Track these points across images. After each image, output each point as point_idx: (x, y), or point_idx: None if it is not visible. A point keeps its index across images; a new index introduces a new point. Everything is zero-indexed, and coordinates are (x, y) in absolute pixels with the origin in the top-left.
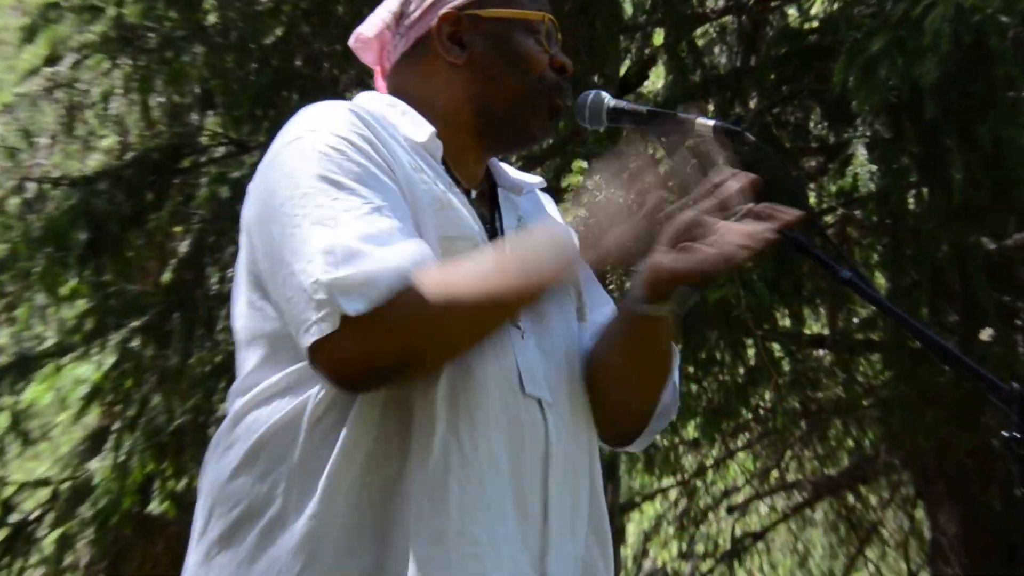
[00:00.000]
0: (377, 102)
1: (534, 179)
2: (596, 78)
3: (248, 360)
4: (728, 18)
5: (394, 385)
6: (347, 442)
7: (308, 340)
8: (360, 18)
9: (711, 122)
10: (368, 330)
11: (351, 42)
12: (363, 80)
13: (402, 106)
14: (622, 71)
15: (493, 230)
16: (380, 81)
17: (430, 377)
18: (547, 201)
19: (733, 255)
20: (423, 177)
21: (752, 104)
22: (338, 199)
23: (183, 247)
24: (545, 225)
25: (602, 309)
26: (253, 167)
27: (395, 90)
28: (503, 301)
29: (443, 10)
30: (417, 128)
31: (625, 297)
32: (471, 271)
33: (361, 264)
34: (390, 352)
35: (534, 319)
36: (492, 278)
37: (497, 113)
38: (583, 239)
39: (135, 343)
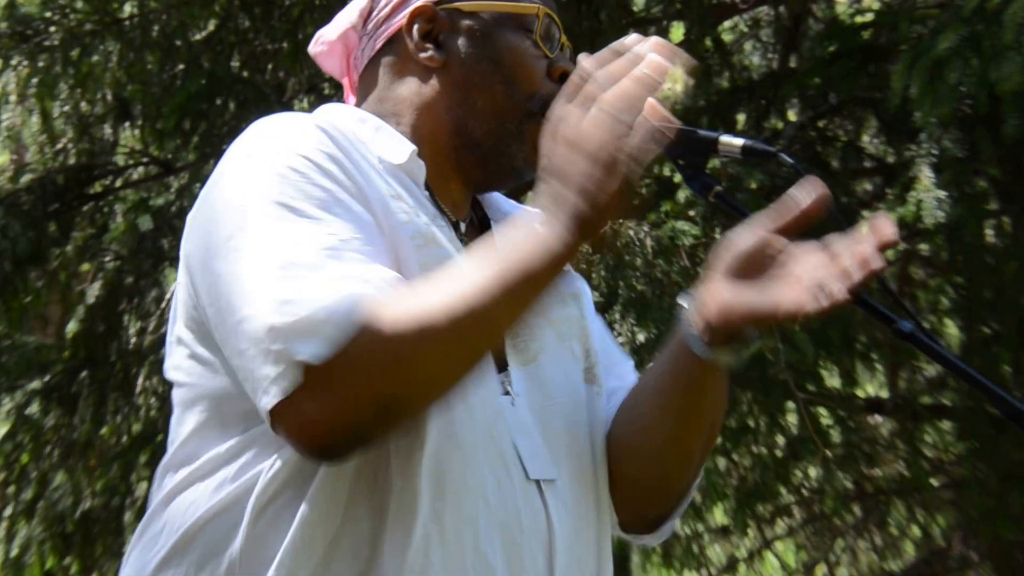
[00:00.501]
0: (345, 117)
1: (532, 210)
2: None
3: (185, 426)
4: (762, 9)
5: (376, 441)
6: (304, 527)
7: (268, 402)
8: (315, 8)
9: (739, 140)
10: (336, 377)
11: (312, 48)
12: (316, 86)
13: (374, 121)
14: None
15: None
16: (349, 94)
17: (413, 438)
18: None
19: (805, 304)
20: (402, 206)
21: (792, 116)
22: (298, 230)
23: (93, 291)
24: (515, 222)
25: (618, 369)
26: (180, 192)
27: (365, 102)
28: (486, 316)
29: (416, 3)
30: (394, 147)
31: (674, 339)
32: (443, 288)
33: (319, 301)
34: (366, 398)
35: (528, 382)
36: (469, 292)
37: (475, 136)
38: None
39: (33, 408)
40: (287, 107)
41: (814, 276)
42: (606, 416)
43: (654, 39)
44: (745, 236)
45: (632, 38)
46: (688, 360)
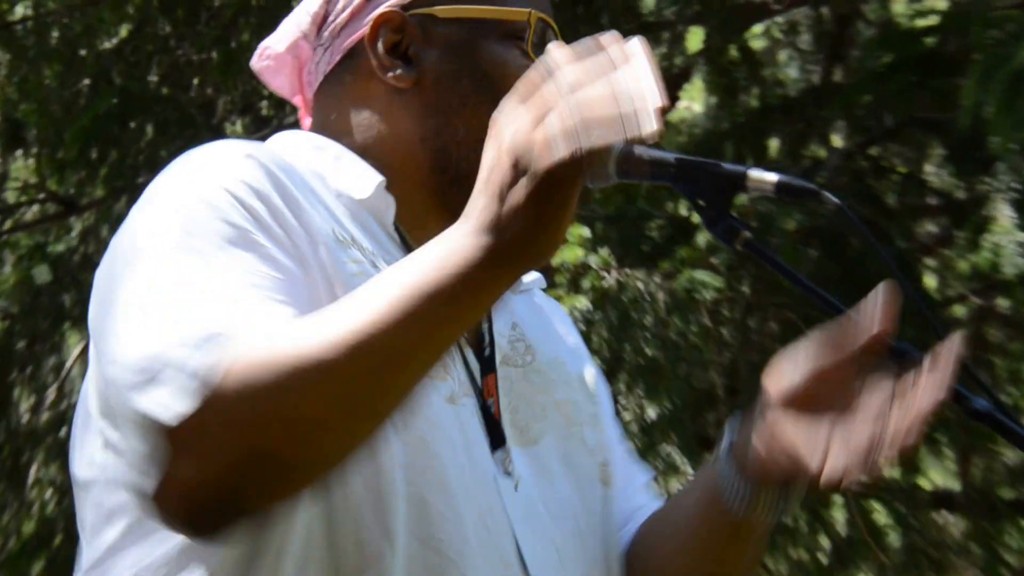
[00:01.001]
0: (300, 145)
1: (531, 275)
2: None
3: (102, 536)
4: (800, 10)
5: (261, 509)
6: None
7: (149, 485)
8: (251, 10)
9: (773, 175)
10: (200, 433)
11: (255, 62)
12: (252, 104)
13: (334, 148)
14: None
15: (478, 340)
16: (304, 118)
17: (389, 541)
18: (548, 304)
19: (852, 474)
20: (354, 254)
21: (837, 141)
22: (185, 268)
23: None
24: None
25: (635, 482)
26: (84, 236)
27: (322, 126)
28: (386, 346)
29: (380, 8)
30: (357, 179)
31: (708, 478)
32: (330, 319)
33: (182, 349)
34: (235, 455)
35: (531, 466)
36: (361, 320)
37: (460, 169)
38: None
39: None
40: (217, 131)
41: (869, 433)
42: (622, 535)
43: (633, 40)
44: (800, 365)
45: (608, 37)
46: (726, 513)
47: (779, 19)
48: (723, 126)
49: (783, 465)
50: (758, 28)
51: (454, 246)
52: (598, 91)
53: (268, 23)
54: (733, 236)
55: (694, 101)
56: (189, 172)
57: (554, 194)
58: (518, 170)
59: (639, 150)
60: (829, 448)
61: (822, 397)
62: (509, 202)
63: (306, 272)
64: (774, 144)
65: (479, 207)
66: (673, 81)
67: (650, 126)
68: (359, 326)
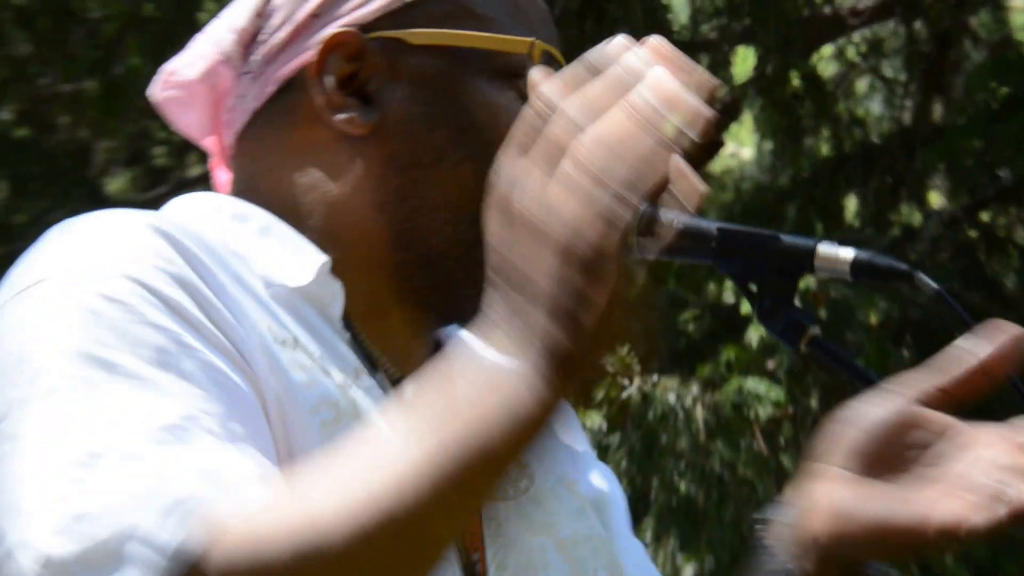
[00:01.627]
0: (211, 212)
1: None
2: None
3: None
4: (887, 24)
5: None
6: None
7: None
8: (142, 23)
9: (850, 252)
10: None
11: (156, 91)
12: (141, 153)
13: (260, 218)
14: None
15: None
16: (219, 169)
17: None
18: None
19: (971, 517)
20: (300, 358)
21: (936, 201)
22: (112, 399)
23: None
24: (460, 356)
25: (643, 571)
26: None
27: (244, 184)
28: (413, 525)
29: (331, 28)
30: (292, 260)
31: (756, 561)
32: (341, 482)
33: (131, 516)
34: None
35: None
36: (385, 487)
37: (430, 242)
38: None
39: None
40: (93, 188)
41: (986, 475)
42: None
43: (653, 40)
44: (878, 407)
45: (617, 43)
46: None
47: (857, 36)
48: (782, 181)
49: (865, 525)
50: (829, 48)
51: (510, 396)
52: (615, 120)
53: (165, 42)
54: (796, 332)
55: (743, 145)
56: (78, 255)
57: (603, 276)
58: (590, 273)
59: (669, 215)
60: (933, 495)
61: (911, 450)
62: (580, 324)
63: (253, 384)
64: (851, 206)
65: (537, 329)
66: (716, 118)
67: (697, 134)
68: (386, 503)
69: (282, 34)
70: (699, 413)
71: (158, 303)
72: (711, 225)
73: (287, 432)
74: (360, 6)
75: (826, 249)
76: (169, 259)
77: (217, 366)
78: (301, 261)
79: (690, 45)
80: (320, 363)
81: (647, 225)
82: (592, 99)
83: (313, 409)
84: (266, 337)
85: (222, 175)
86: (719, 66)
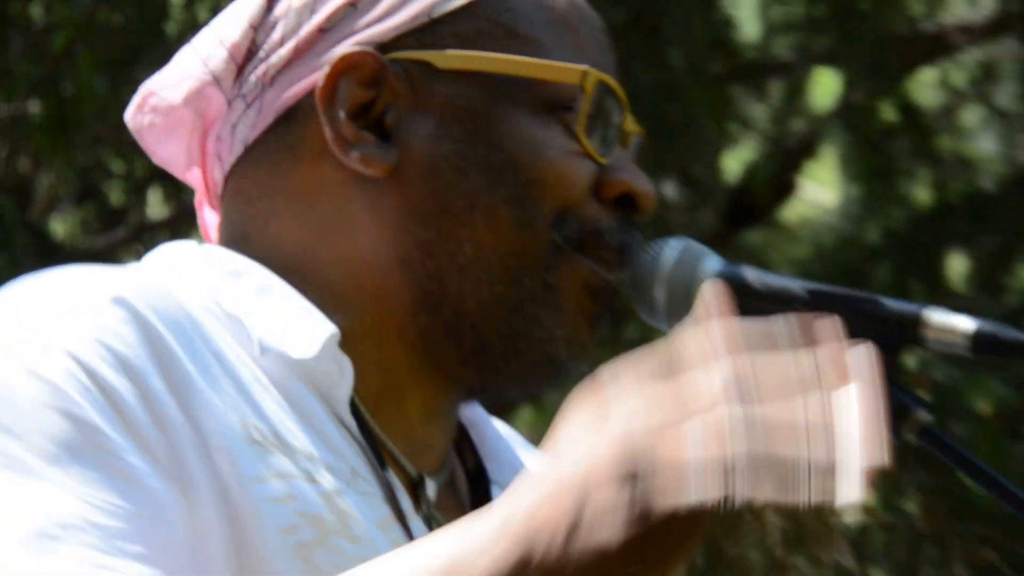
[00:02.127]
0: (199, 268)
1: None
2: (666, 191)
3: None
4: (1004, 44)
5: None
6: None
7: None
8: (98, 32)
9: (969, 323)
10: None
11: (132, 115)
12: (92, 189)
13: (257, 275)
14: (727, 168)
15: None
16: (205, 210)
17: None
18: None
19: None
20: (277, 462)
21: None
22: (16, 509)
23: None
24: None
25: None
26: None
27: (237, 232)
28: None
29: (343, 46)
30: (294, 325)
31: None
32: None
33: None
34: None
35: None
36: None
37: (461, 306)
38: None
39: None
40: (36, 231)
41: None
42: None
43: (863, 355)
44: None
45: (820, 332)
46: None
47: (966, 57)
48: (871, 234)
49: None
50: (930, 74)
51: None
52: (782, 417)
53: (126, 57)
54: (899, 418)
55: (823, 187)
56: (16, 323)
57: (665, 542)
58: (624, 487)
59: (749, 275)
60: None
61: None
62: (593, 536)
63: (187, 495)
64: (958, 266)
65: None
66: (789, 155)
67: (849, 496)
68: None
69: (284, 52)
70: (771, 519)
71: (90, 388)
72: (799, 285)
73: (246, 552)
74: (379, 20)
75: (939, 318)
76: (123, 338)
77: (133, 469)
78: (305, 330)
79: (760, 68)
80: (305, 467)
81: (725, 283)
82: (766, 377)
83: (287, 529)
84: (237, 438)
85: (209, 216)
86: (795, 93)
